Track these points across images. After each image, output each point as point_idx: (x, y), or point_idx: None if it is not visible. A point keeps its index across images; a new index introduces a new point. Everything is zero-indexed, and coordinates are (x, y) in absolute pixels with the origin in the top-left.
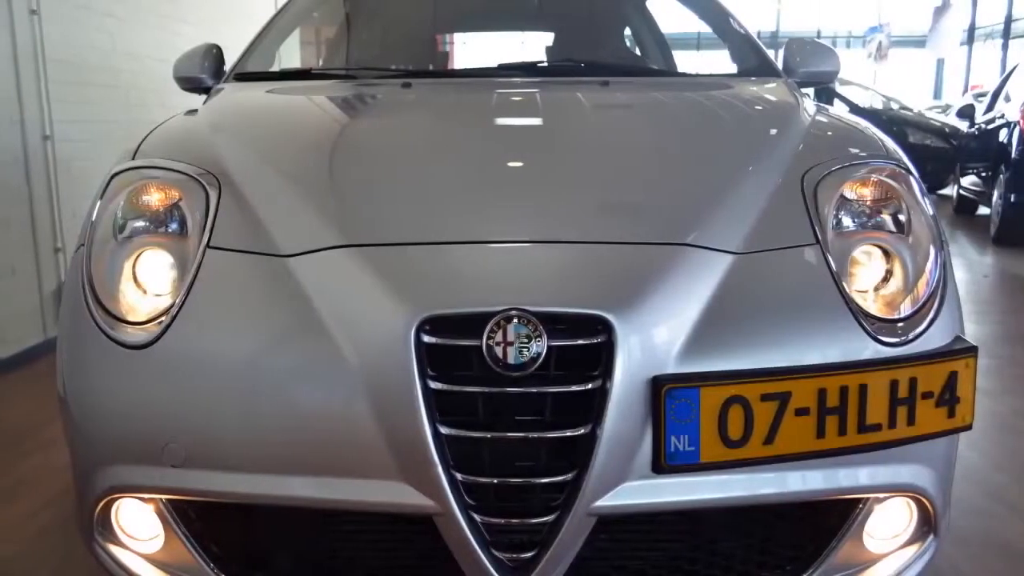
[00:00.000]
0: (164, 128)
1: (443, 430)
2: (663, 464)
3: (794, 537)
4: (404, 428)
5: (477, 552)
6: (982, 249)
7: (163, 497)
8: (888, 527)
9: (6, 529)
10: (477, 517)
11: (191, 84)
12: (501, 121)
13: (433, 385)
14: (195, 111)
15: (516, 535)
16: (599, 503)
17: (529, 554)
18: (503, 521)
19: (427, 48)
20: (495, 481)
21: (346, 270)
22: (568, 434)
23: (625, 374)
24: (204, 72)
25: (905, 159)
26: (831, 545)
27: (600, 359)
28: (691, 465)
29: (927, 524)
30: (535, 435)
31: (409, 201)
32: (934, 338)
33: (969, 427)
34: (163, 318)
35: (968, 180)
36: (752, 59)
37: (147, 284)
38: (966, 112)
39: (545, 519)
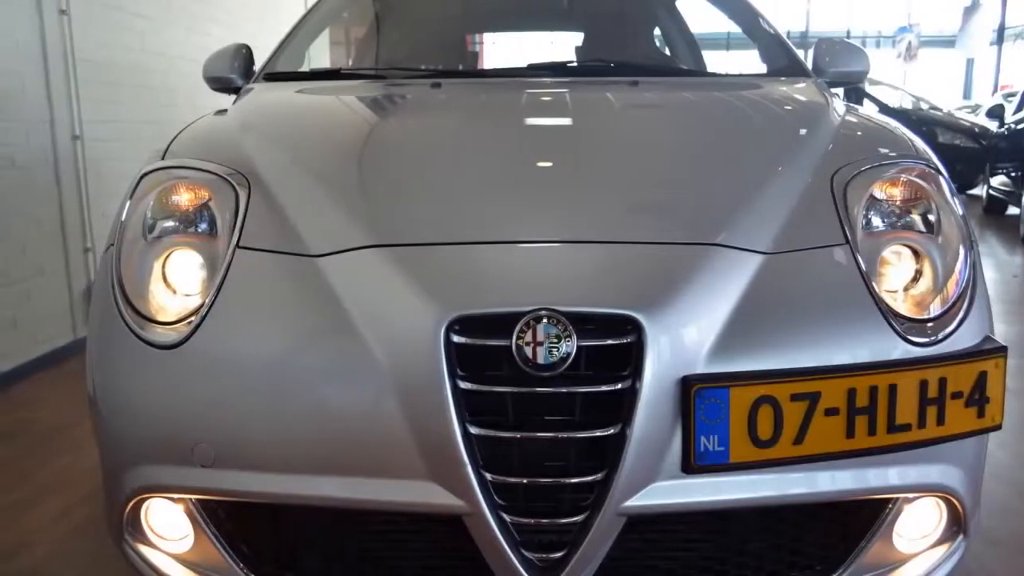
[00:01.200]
0: (194, 128)
1: (472, 430)
2: (693, 464)
3: (824, 537)
4: (434, 428)
5: (507, 552)
6: (1012, 249)
7: (193, 497)
8: (918, 527)
9: (37, 529)
10: (507, 517)
11: (221, 84)
12: (530, 121)
13: (463, 385)
14: (225, 111)
15: (546, 535)
16: (629, 503)
17: (559, 554)
18: (532, 521)
19: (456, 48)
20: (525, 481)
21: (375, 270)
22: (598, 434)
23: (655, 374)
24: (234, 72)
25: (935, 159)
26: (861, 545)
27: (630, 359)
28: (721, 465)
29: (956, 524)
30: (565, 435)
31: (438, 201)
32: (964, 338)
33: (999, 427)
34: (192, 318)
35: (998, 180)
36: (782, 59)
37: (177, 284)
38: (996, 112)
39: (575, 519)
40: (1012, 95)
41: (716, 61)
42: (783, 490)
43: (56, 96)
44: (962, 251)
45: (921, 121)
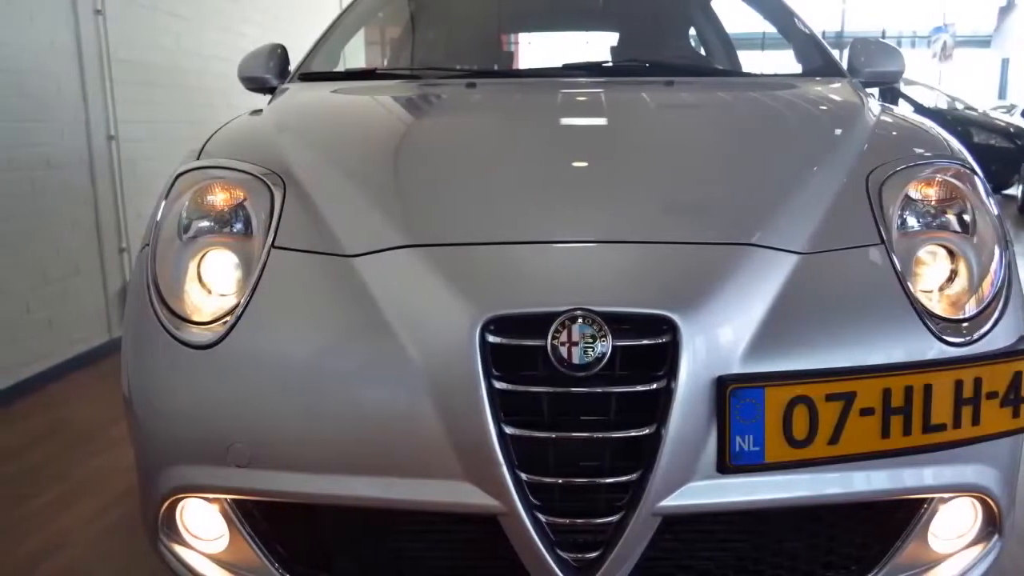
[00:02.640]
0: (229, 128)
1: (508, 430)
2: (728, 464)
3: (859, 537)
4: (469, 428)
5: (542, 552)
6: None
7: (228, 497)
8: (953, 527)
9: (73, 528)
10: (542, 517)
11: (256, 84)
12: (565, 121)
13: (498, 385)
14: (260, 111)
15: (581, 535)
16: (664, 503)
17: (594, 554)
18: (568, 521)
19: (492, 48)
20: (560, 481)
21: (411, 270)
22: (633, 434)
23: (690, 374)
24: (269, 72)
25: (970, 159)
26: (896, 545)
27: (665, 359)
28: (756, 465)
29: (992, 524)
30: (600, 435)
31: (474, 201)
32: (999, 338)
33: None
34: (228, 318)
35: None
36: (817, 59)
37: (212, 284)
38: None
39: (610, 519)
40: None
41: (751, 61)
42: (818, 490)
43: (91, 96)
44: (997, 251)
45: (956, 121)
